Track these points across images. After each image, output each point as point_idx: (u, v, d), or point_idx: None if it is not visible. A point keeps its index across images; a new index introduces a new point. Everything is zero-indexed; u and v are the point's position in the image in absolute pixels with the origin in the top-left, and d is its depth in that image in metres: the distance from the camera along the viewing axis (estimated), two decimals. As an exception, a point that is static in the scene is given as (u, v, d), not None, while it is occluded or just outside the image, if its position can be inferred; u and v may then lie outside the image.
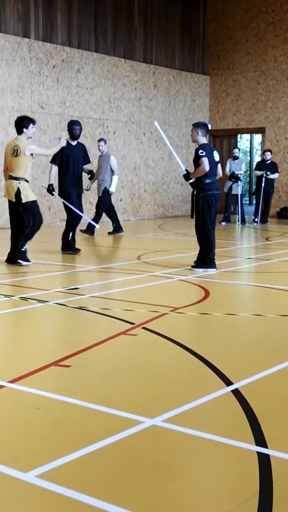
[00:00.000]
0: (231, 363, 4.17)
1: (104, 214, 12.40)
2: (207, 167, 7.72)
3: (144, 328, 4.96)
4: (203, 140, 8.07)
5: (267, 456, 2.73)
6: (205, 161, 7.70)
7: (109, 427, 3.04)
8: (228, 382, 3.67)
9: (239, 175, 15.19)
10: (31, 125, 8.23)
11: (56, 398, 3.45)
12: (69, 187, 9.56)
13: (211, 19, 18.36)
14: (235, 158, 15.38)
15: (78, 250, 9.63)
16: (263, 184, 14.84)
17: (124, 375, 3.92)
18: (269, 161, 15.10)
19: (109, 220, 12.70)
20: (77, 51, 15.00)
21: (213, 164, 7.89)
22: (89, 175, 10.16)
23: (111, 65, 15.78)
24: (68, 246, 9.60)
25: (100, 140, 12.53)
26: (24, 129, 8.21)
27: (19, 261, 8.18)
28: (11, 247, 8.37)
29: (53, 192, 9.59)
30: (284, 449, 2.80)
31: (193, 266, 7.93)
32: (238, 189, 15.18)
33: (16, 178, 8.17)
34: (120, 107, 16.06)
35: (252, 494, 2.42)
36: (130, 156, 16.36)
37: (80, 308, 5.70)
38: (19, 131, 8.27)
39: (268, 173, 14.76)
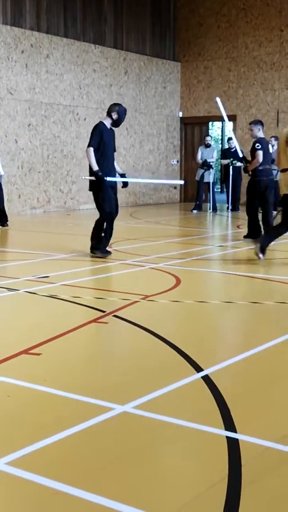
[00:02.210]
0: (202, 349, 4.20)
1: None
2: (260, 159, 9.14)
3: (115, 316, 4.96)
4: (261, 134, 9.41)
5: (236, 440, 2.76)
6: (260, 154, 9.12)
7: (79, 414, 3.04)
8: (198, 369, 3.70)
9: (211, 163, 15.22)
10: None
11: (27, 386, 3.43)
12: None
13: (182, 5, 18.28)
14: (207, 146, 15.40)
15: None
16: (230, 173, 14.90)
17: (94, 363, 3.92)
18: (234, 149, 15.14)
19: None
20: (46, 36, 14.82)
21: (267, 154, 9.33)
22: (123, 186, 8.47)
23: (81, 51, 15.64)
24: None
25: None
26: None
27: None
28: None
29: (105, 177, 7.81)
30: (252, 433, 2.84)
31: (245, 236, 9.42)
32: (210, 177, 15.21)
33: (284, 170, 7.42)
34: (91, 94, 15.94)
35: (221, 478, 2.44)
36: (101, 143, 16.25)
37: (51, 296, 5.67)
38: None
39: (235, 161, 14.81)
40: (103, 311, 5.07)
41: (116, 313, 5.03)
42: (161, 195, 18.20)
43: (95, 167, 7.75)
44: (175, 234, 11.18)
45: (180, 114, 18.61)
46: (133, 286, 6.41)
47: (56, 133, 15.18)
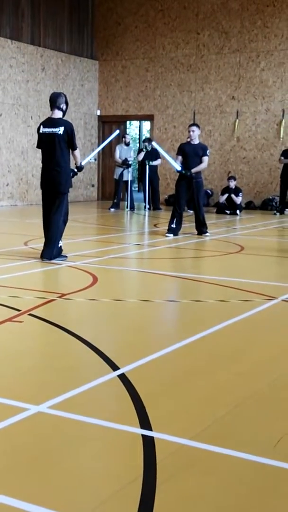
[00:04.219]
0: (118, 348, 4.19)
1: None
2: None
3: (30, 314, 4.88)
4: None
5: (152, 438, 2.77)
6: (207, 160, 10.11)
7: (-8, 417, 2.96)
8: (114, 367, 3.69)
9: (129, 162, 15.28)
10: None
11: None
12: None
13: (100, 3, 18.24)
14: (127, 144, 15.45)
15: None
16: (147, 172, 15.04)
17: (9, 362, 3.83)
18: (149, 150, 15.32)
19: None
20: None
21: None
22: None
23: (-3, 45, 15.30)
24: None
25: None
26: None
27: None
28: None
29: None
30: (167, 431, 2.85)
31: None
32: (128, 175, 15.27)
33: None
34: (7, 89, 15.62)
35: (136, 476, 2.44)
36: (17, 140, 16.00)
37: None
38: None
39: (151, 161, 14.99)
40: (18, 310, 4.97)
41: (31, 312, 4.94)
42: (79, 192, 18.09)
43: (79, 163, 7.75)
44: (92, 232, 11.13)
45: (98, 113, 18.57)
46: (49, 285, 6.33)
47: None
